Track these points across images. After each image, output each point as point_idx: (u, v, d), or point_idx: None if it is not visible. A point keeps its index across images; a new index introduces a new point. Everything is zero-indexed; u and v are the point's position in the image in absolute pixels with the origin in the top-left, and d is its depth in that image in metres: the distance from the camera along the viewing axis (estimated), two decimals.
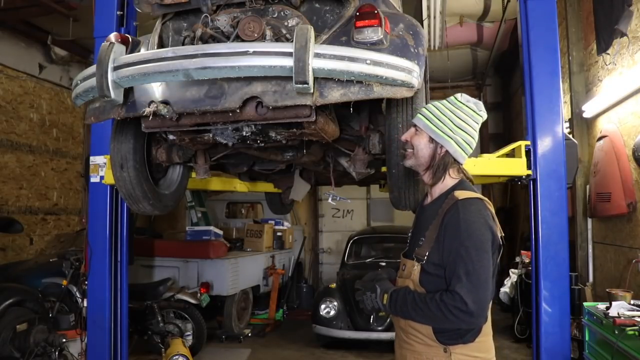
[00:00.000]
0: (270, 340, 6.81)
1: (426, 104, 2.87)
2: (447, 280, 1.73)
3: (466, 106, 1.90)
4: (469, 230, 1.71)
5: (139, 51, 2.53)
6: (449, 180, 1.90)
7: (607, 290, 3.85)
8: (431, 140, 1.89)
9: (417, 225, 2.00)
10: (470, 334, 1.78)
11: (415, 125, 1.94)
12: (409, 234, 2.06)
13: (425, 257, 1.80)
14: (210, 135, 2.65)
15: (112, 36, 2.39)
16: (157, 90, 2.35)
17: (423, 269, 1.81)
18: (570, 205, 4.78)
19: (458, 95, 1.95)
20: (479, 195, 1.82)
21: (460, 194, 1.80)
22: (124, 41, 2.41)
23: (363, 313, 5.84)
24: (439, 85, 9.85)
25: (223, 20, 2.40)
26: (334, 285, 6.44)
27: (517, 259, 6.40)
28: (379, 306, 1.87)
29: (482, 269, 1.67)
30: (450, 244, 1.73)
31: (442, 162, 1.88)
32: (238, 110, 2.25)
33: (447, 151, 1.87)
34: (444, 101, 1.93)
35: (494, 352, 1.87)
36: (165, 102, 2.31)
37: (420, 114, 1.93)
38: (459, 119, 1.87)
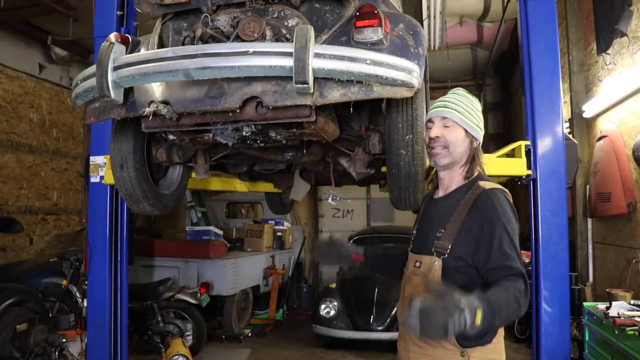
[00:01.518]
0: (270, 340, 6.81)
1: (426, 104, 2.88)
2: (478, 265, 1.70)
3: (474, 100, 1.89)
4: (507, 217, 1.70)
5: (139, 51, 2.53)
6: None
7: (607, 290, 3.85)
8: (466, 134, 1.83)
9: (429, 219, 1.91)
10: (489, 334, 1.73)
11: (444, 119, 1.83)
12: (414, 230, 1.99)
13: (448, 251, 1.74)
14: (210, 135, 2.65)
15: (112, 36, 2.39)
16: (157, 90, 2.35)
17: (444, 264, 1.74)
18: (570, 205, 4.78)
19: (459, 90, 1.91)
20: (502, 187, 1.81)
21: (486, 184, 1.79)
22: (124, 41, 2.41)
23: (363, 313, 5.85)
24: (439, 85, 9.84)
25: (223, 20, 2.40)
26: (334, 285, 6.44)
27: None
28: (468, 326, 1.37)
29: (518, 255, 1.67)
30: (486, 231, 1.68)
31: (477, 155, 1.85)
32: (238, 110, 2.25)
33: (479, 143, 1.86)
34: (461, 94, 1.88)
35: (504, 355, 1.81)
36: (165, 102, 2.31)
37: (450, 108, 1.83)
38: (478, 112, 1.86)
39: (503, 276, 1.62)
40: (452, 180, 1.89)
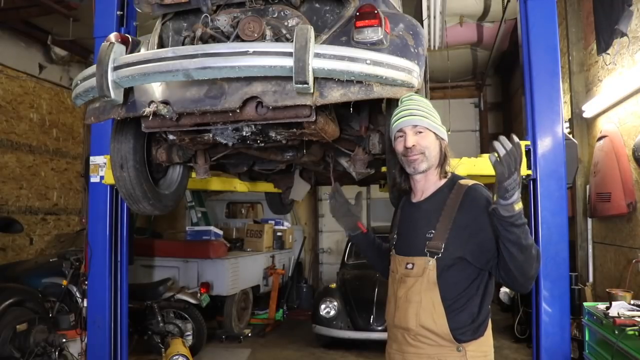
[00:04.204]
0: (270, 340, 6.82)
1: None
2: (483, 257, 1.76)
3: (429, 102, 1.97)
4: None
5: (139, 51, 2.53)
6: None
7: (607, 290, 3.85)
8: (436, 137, 1.91)
9: (412, 222, 1.94)
10: (482, 327, 1.81)
11: (415, 127, 1.88)
12: (394, 234, 2.02)
13: (442, 250, 1.78)
14: (210, 135, 2.64)
15: (112, 36, 2.39)
16: (157, 90, 2.35)
17: (439, 263, 1.79)
18: (570, 205, 4.78)
19: (413, 95, 2.00)
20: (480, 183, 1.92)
21: (467, 182, 1.88)
22: (124, 41, 2.41)
23: (363, 313, 5.86)
24: (439, 85, 9.84)
25: (223, 20, 2.40)
26: (334, 285, 6.45)
27: None
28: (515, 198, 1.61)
29: None
30: (484, 224, 1.75)
31: (446, 155, 1.93)
32: (238, 110, 2.25)
33: (446, 143, 1.94)
34: (418, 99, 1.96)
35: (492, 346, 1.91)
36: (165, 102, 2.31)
37: (418, 115, 1.88)
38: (436, 113, 1.94)
39: None
40: (428, 182, 1.94)
